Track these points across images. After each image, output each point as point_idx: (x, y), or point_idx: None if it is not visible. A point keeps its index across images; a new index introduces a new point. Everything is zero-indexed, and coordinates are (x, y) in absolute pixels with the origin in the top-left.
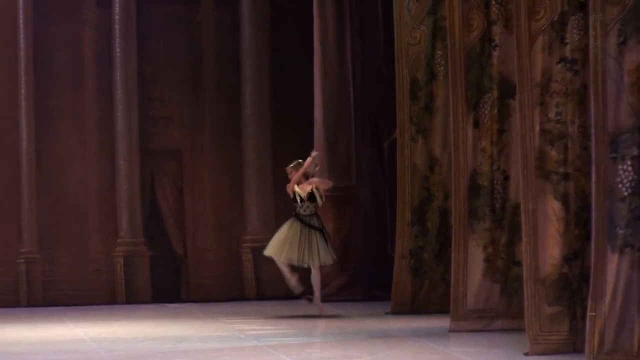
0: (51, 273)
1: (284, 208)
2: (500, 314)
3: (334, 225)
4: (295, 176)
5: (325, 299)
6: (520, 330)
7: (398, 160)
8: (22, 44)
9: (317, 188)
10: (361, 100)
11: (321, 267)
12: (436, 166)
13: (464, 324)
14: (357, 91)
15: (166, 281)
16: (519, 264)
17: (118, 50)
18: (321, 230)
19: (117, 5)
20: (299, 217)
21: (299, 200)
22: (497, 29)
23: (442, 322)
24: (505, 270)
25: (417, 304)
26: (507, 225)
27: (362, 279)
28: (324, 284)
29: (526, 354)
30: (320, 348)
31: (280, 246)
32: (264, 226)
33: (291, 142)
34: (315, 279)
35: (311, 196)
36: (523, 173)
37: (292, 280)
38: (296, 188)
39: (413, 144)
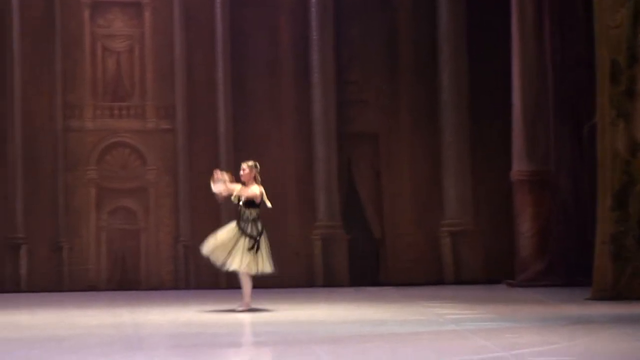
0: None
1: (482, 192)
2: None
3: (532, 210)
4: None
5: (525, 283)
6: None
7: (598, 145)
8: (219, 28)
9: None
10: (559, 84)
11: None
12: (638, 151)
13: None
14: (556, 75)
15: (364, 264)
16: None
17: (315, 34)
18: (252, 237)
19: None
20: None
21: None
22: None
23: None
24: None
25: (619, 290)
26: None
27: (562, 265)
28: (523, 268)
29: None
30: (519, 333)
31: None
32: (462, 210)
33: (489, 126)
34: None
35: (247, 201)
36: None
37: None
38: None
39: (614, 128)
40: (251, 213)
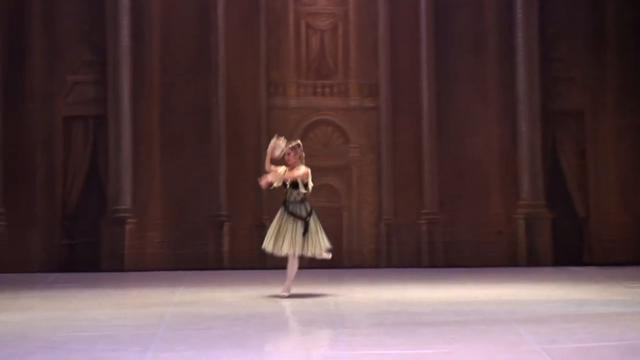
0: (452, 234)
1: None
2: None
3: None
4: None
5: None
6: None
7: None
8: (422, 5)
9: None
10: None
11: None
12: None
13: None
14: None
15: (568, 244)
16: None
17: (519, 12)
18: (303, 219)
19: None
20: (284, 204)
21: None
22: None
23: None
24: None
25: None
26: None
27: None
28: None
29: None
30: None
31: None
32: None
33: None
34: (290, 268)
35: (294, 183)
36: None
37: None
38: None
39: None
40: (298, 194)
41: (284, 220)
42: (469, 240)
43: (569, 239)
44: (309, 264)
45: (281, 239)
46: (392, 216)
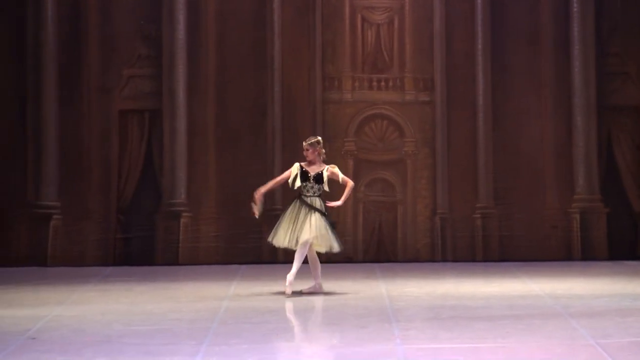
0: (507, 228)
1: None
2: None
3: None
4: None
5: None
6: None
7: None
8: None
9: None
10: None
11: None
12: None
13: None
14: None
15: (623, 238)
16: None
17: (575, 5)
18: (323, 212)
19: None
20: (300, 198)
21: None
22: None
23: None
24: None
25: None
26: None
27: None
28: None
29: None
30: None
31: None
32: None
33: None
34: (311, 263)
35: (318, 176)
36: None
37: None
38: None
39: None
40: (319, 189)
41: (300, 213)
42: (524, 234)
43: (624, 233)
44: (363, 258)
45: (295, 230)
46: (447, 210)
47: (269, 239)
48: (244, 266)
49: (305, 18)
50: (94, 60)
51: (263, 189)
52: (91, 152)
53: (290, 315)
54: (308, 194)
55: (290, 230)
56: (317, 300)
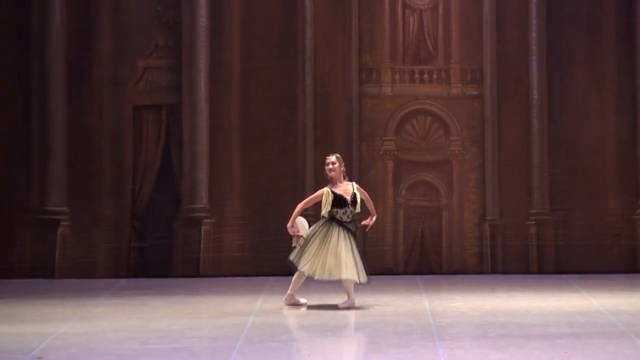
0: (564, 237)
1: None
2: None
3: None
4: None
5: None
6: None
7: None
8: None
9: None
10: None
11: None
12: None
13: None
14: None
15: None
16: None
17: None
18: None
19: None
20: (340, 223)
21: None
22: None
23: None
24: None
25: None
26: None
27: None
28: None
29: None
30: None
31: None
32: None
33: None
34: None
35: (353, 200)
36: None
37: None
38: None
39: None
40: (352, 213)
41: (338, 239)
42: (583, 243)
43: None
44: (404, 270)
45: (324, 258)
46: (497, 216)
47: (293, 259)
48: (271, 278)
49: (341, 2)
50: (106, 50)
51: (291, 222)
52: (102, 153)
53: (322, 332)
54: (347, 220)
55: (320, 257)
56: (352, 316)
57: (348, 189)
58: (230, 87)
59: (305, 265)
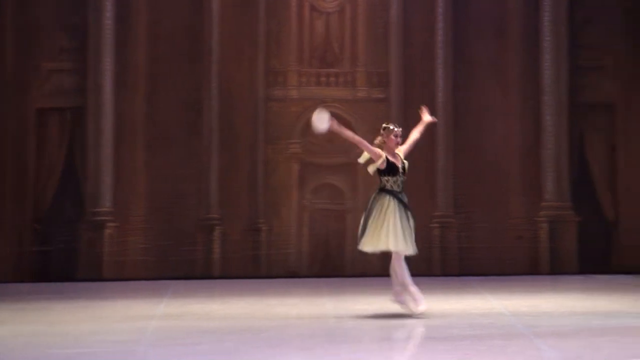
0: (467, 239)
1: None
2: None
3: None
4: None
5: None
6: None
7: None
8: None
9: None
10: None
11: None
12: None
13: None
14: None
15: (595, 249)
16: None
17: None
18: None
19: None
20: (393, 194)
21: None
22: None
23: None
24: None
25: None
26: None
27: None
28: None
29: None
30: None
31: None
32: None
33: None
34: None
35: (404, 167)
36: None
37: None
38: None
39: None
40: (404, 180)
41: (400, 214)
42: (486, 246)
43: (597, 244)
44: (308, 273)
45: (404, 234)
46: None
47: (359, 247)
48: (175, 282)
49: (247, 6)
50: (9, 53)
51: (347, 132)
52: (3, 155)
53: (226, 336)
54: (398, 190)
55: (399, 234)
56: (256, 320)
57: (398, 159)
58: (136, 90)
59: (369, 244)
